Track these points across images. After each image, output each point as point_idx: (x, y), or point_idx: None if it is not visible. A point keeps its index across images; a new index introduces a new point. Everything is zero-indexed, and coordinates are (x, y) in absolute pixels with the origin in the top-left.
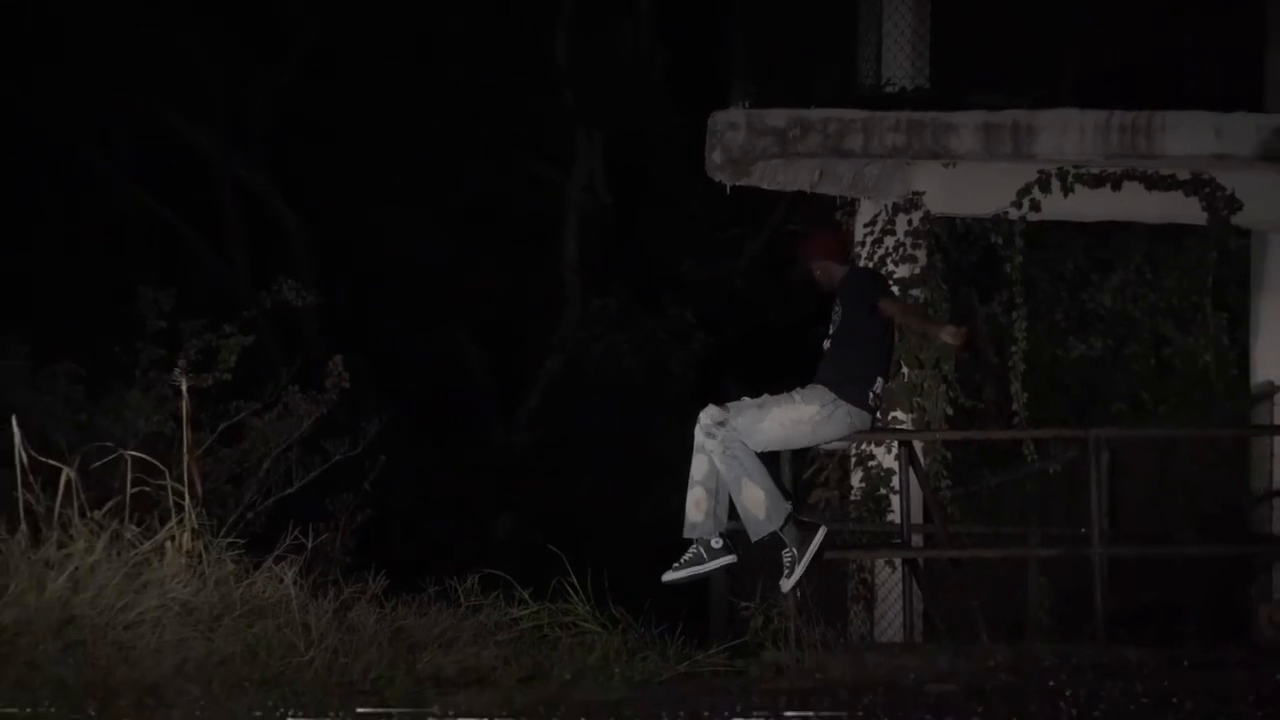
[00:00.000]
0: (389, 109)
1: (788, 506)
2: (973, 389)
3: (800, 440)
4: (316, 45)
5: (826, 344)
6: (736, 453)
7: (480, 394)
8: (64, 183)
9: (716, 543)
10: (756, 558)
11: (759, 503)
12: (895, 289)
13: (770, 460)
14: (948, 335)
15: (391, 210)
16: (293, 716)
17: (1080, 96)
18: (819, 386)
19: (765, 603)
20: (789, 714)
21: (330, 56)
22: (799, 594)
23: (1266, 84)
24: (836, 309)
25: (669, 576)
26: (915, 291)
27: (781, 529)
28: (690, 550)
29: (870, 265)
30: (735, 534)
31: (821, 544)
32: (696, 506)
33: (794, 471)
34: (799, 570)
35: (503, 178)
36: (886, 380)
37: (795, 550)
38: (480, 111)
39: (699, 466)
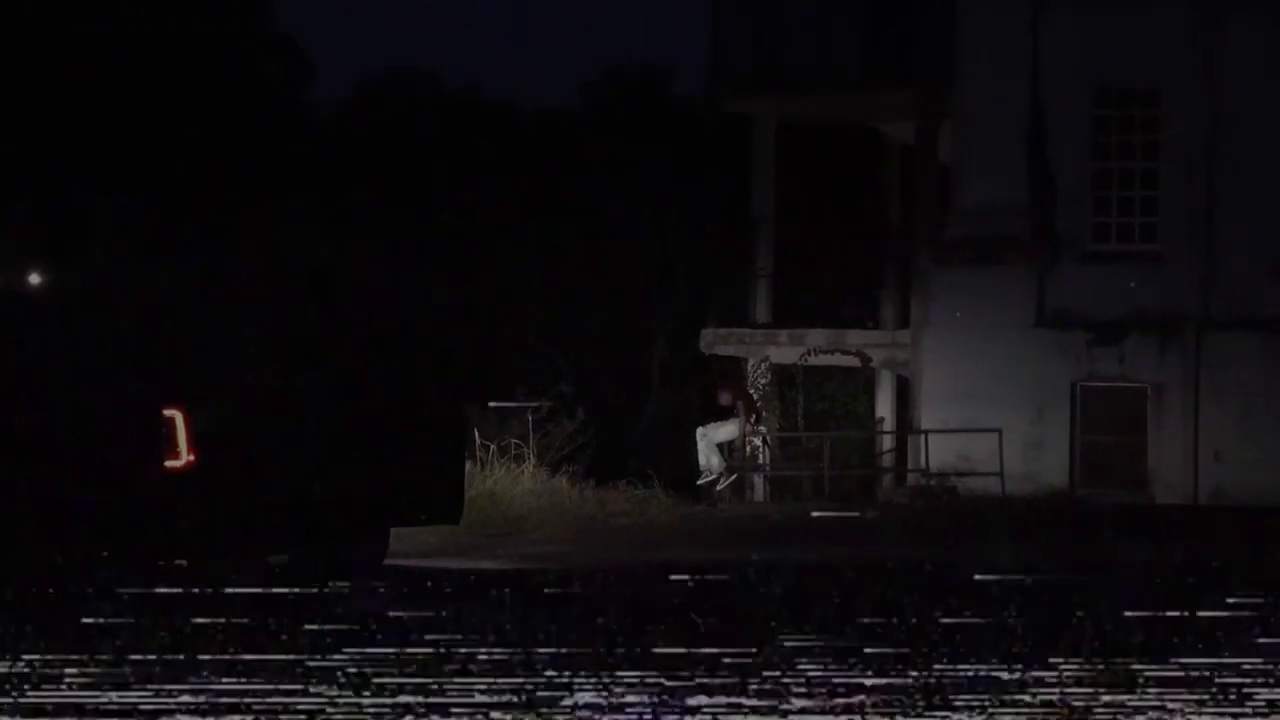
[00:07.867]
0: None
1: (725, 462)
2: (789, 422)
3: (731, 437)
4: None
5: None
6: (710, 446)
7: (625, 418)
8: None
9: (711, 471)
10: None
11: (714, 464)
12: (763, 381)
13: (719, 446)
14: (749, 422)
15: (597, 356)
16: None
17: (779, 320)
18: (736, 418)
19: (719, 491)
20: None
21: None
22: (727, 488)
23: (882, 318)
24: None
25: (700, 482)
26: (767, 386)
27: (722, 472)
28: (702, 475)
29: (755, 380)
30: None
31: (734, 477)
32: (701, 458)
33: (725, 448)
34: (724, 484)
35: (643, 350)
36: (759, 416)
37: (726, 478)
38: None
39: (699, 447)
